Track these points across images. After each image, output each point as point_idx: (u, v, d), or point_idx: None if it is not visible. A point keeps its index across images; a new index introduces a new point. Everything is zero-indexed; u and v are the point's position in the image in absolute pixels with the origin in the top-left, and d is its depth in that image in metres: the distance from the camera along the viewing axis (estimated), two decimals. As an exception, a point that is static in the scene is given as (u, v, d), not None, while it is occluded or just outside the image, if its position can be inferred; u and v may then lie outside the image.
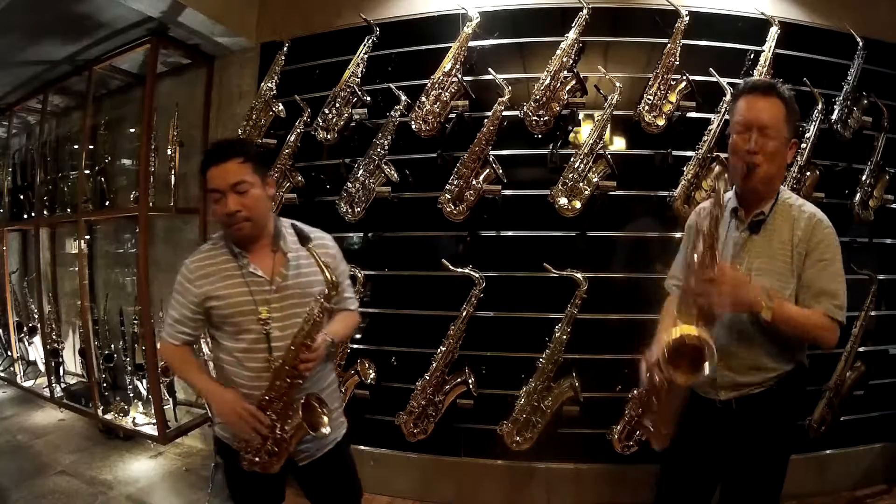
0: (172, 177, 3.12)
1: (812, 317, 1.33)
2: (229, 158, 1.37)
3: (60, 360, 3.75)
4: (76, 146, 3.80)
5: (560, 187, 2.28)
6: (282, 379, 1.36)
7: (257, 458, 1.40)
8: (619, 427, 2.25)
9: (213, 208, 1.42)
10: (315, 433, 1.39)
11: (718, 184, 1.35)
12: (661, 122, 2.30)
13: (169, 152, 3.12)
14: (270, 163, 2.65)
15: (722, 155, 2.16)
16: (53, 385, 3.65)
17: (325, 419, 1.40)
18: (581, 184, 2.27)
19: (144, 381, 3.20)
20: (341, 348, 2.49)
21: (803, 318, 1.33)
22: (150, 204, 3.00)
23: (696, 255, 1.32)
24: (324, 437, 1.45)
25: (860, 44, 2.44)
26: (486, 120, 2.34)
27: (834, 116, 2.39)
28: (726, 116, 2.19)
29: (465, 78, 2.43)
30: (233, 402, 1.37)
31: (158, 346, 1.58)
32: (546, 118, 2.32)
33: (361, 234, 2.64)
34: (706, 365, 1.20)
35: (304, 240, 1.43)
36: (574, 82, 2.32)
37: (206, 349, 2.69)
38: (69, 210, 3.72)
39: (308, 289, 1.45)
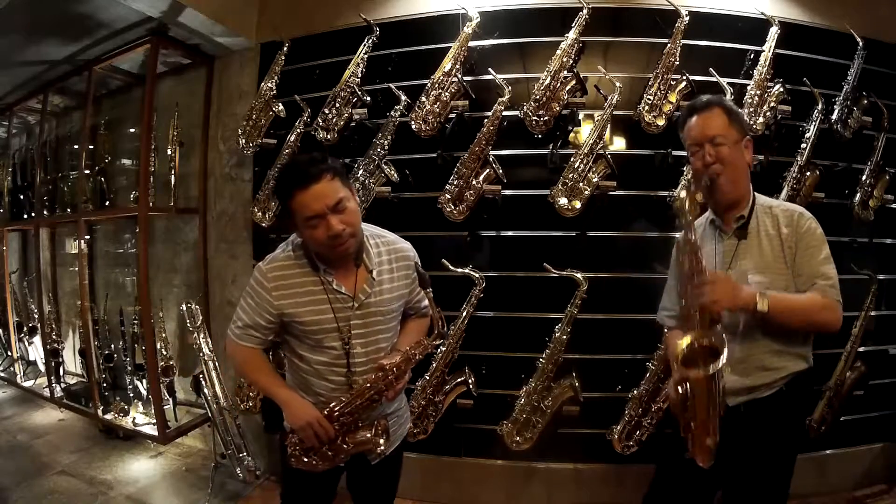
0: (172, 177, 3.12)
1: (808, 298, 1.37)
2: (321, 177, 1.27)
3: (60, 360, 3.75)
4: (76, 146, 3.79)
5: (560, 187, 2.28)
6: (363, 398, 1.36)
7: (305, 459, 1.40)
8: (619, 427, 2.25)
9: (310, 234, 1.30)
10: (370, 455, 1.41)
11: (687, 204, 1.38)
12: (661, 122, 2.30)
13: (169, 152, 3.12)
14: (270, 162, 2.66)
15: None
16: (53, 385, 3.64)
17: (383, 443, 1.41)
18: (581, 184, 2.27)
19: (144, 381, 3.20)
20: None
21: (800, 301, 1.37)
22: (150, 204, 2.99)
23: (685, 269, 1.37)
24: (378, 455, 1.47)
25: (860, 44, 2.43)
26: (486, 120, 2.34)
27: (834, 116, 2.39)
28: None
29: (465, 78, 2.43)
30: (306, 412, 1.36)
31: (226, 345, 1.49)
32: (546, 118, 2.32)
33: (361, 234, 2.64)
34: (722, 355, 1.23)
35: (423, 282, 1.39)
36: (574, 82, 2.32)
37: (205, 349, 2.70)
38: (69, 210, 3.72)
39: (391, 305, 1.44)
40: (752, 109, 2.29)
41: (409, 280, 1.49)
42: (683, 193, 1.42)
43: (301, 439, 1.38)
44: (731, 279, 1.35)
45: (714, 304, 1.30)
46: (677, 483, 1.53)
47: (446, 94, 2.39)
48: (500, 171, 2.33)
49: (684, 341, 1.31)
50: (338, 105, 2.56)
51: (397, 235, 1.54)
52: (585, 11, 2.32)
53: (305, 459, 1.39)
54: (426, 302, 1.52)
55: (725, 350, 1.23)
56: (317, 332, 1.37)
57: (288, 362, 1.50)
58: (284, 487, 1.56)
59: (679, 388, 1.34)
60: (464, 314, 2.33)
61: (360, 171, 2.48)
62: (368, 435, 1.38)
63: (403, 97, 2.46)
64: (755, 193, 1.51)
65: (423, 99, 2.41)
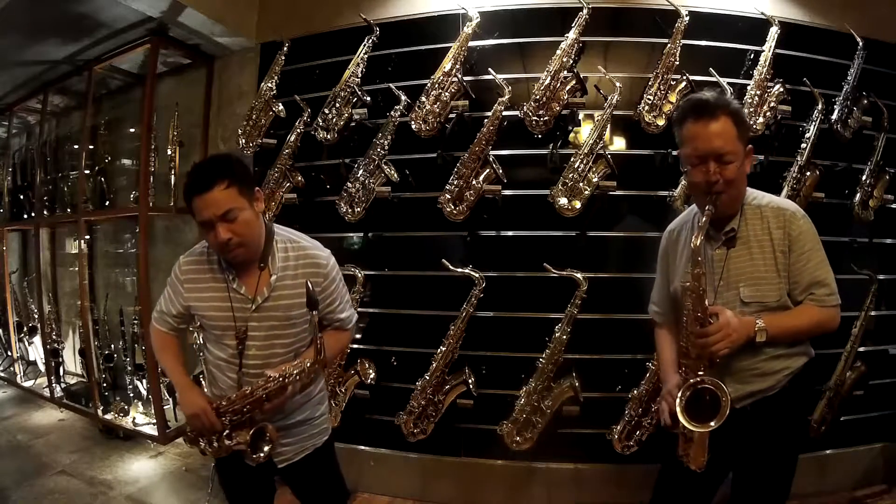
0: (172, 177, 3.13)
1: (807, 314, 1.35)
2: (213, 186, 1.28)
3: (60, 360, 3.75)
4: (76, 146, 3.80)
5: (560, 187, 2.28)
6: (244, 402, 1.36)
7: (199, 441, 1.43)
8: (619, 427, 2.25)
9: (205, 236, 1.36)
10: (254, 455, 1.40)
11: (697, 240, 1.32)
12: (661, 122, 2.30)
13: (169, 152, 3.13)
14: (270, 162, 2.66)
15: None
16: (53, 385, 3.65)
17: (267, 449, 1.40)
18: (581, 184, 2.27)
19: (144, 381, 3.20)
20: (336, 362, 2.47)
21: (799, 320, 1.35)
22: (150, 204, 3.00)
23: (686, 312, 1.34)
24: (285, 459, 1.49)
25: (860, 44, 2.44)
26: (486, 120, 2.34)
27: (834, 116, 2.39)
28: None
29: (465, 78, 2.43)
30: (195, 400, 1.39)
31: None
32: (546, 118, 2.32)
33: (361, 234, 2.64)
34: (722, 410, 1.25)
35: (312, 303, 1.30)
36: (574, 82, 2.32)
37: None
38: (69, 210, 3.73)
39: (290, 311, 1.42)
40: (752, 109, 2.28)
41: (316, 288, 1.44)
42: (695, 238, 1.32)
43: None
44: (733, 323, 1.29)
45: (720, 353, 1.29)
46: (680, 481, 1.53)
47: (446, 94, 2.39)
48: (500, 171, 2.33)
49: (684, 389, 1.30)
50: (338, 105, 2.56)
51: (322, 245, 1.51)
52: (585, 11, 2.33)
53: (199, 441, 1.43)
54: (344, 314, 1.54)
55: (727, 397, 1.24)
56: (215, 329, 1.43)
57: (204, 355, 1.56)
58: (223, 487, 1.61)
59: (678, 427, 1.34)
60: (464, 314, 2.32)
61: (360, 171, 2.48)
62: (245, 438, 1.38)
63: (403, 97, 2.46)
64: (746, 191, 1.42)
65: (423, 99, 2.41)
